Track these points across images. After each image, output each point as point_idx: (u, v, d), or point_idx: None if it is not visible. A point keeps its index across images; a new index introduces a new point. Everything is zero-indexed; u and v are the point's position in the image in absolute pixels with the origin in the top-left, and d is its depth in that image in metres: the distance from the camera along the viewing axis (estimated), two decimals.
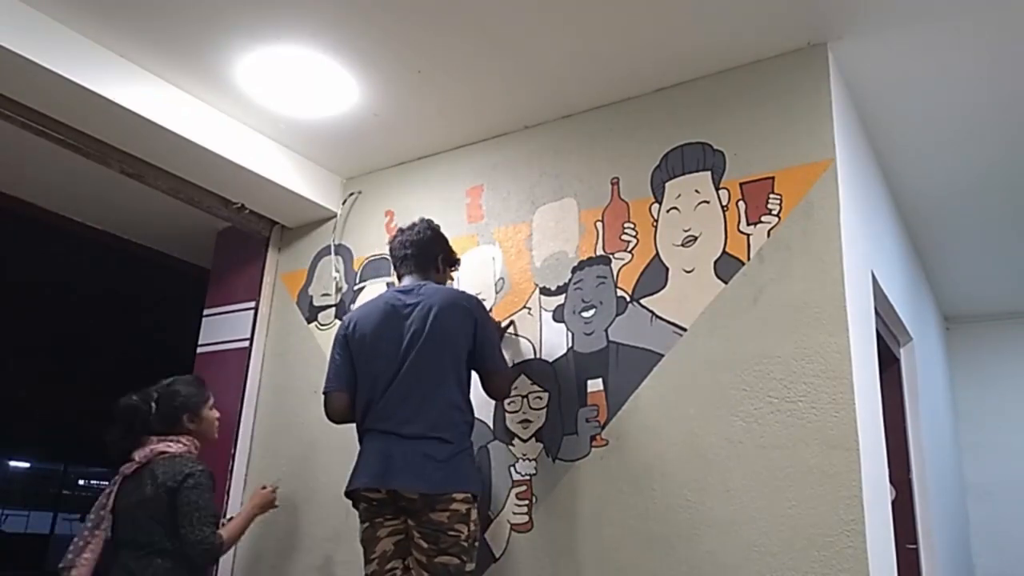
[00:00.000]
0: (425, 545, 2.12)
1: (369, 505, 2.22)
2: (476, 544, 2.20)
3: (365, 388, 2.30)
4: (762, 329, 2.23)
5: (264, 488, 2.71)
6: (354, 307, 3.12)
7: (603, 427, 2.43)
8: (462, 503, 2.15)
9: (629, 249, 2.54)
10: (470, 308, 2.36)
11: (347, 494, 2.28)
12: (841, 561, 1.96)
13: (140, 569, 2.29)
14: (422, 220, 2.55)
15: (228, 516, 2.67)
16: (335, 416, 2.39)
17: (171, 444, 2.43)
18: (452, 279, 2.65)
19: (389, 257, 2.57)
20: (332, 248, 3.29)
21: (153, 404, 2.46)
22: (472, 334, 2.32)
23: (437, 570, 2.10)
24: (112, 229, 3.90)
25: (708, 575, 2.14)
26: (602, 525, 2.34)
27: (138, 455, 2.42)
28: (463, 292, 2.49)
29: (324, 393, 2.40)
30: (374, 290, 3.09)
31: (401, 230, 2.53)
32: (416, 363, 2.25)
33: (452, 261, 2.58)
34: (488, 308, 2.75)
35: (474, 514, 2.19)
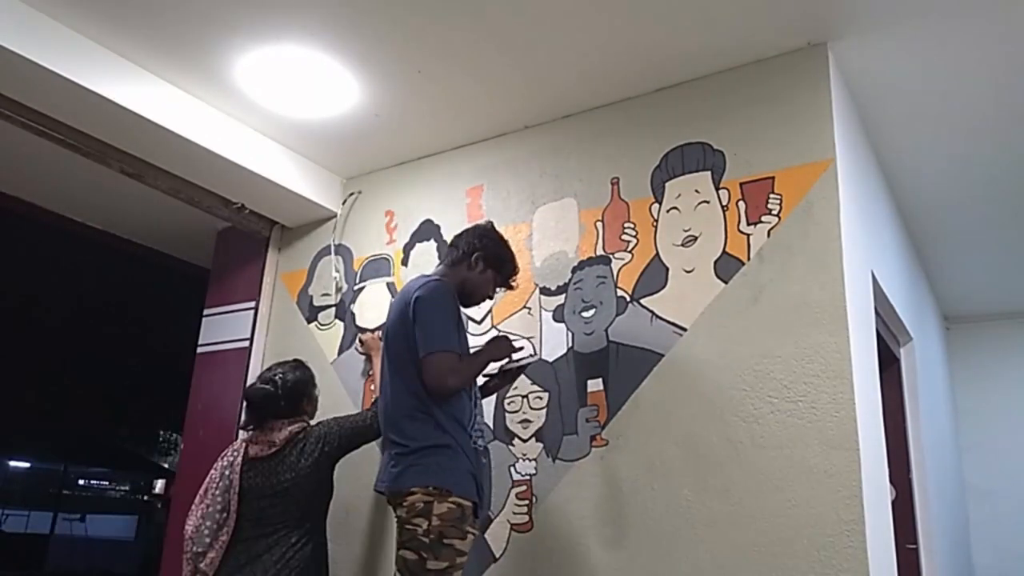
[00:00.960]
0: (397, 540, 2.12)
1: None
2: (444, 541, 2.01)
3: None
4: (762, 329, 2.23)
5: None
6: (354, 307, 3.14)
7: (603, 427, 2.43)
8: (422, 496, 2.03)
9: (629, 249, 2.54)
10: (410, 298, 2.18)
11: None
12: (841, 561, 1.96)
13: (278, 546, 2.41)
14: (488, 221, 2.50)
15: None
16: None
17: (297, 423, 2.55)
18: (494, 290, 2.39)
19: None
20: (332, 248, 3.29)
21: (279, 391, 2.55)
22: (411, 323, 2.14)
23: (399, 564, 2.07)
24: (112, 229, 3.90)
25: (708, 575, 2.14)
26: (602, 525, 2.34)
27: (275, 437, 2.49)
28: (421, 279, 2.26)
29: None
30: (374, 290, 3.10)
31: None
32: (385, 363, 2.24)
33: (495, 267, 2.33)
34: (487, 308, 2.75)
35: (438, 508, 2.03)
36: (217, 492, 2.49)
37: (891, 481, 2.55)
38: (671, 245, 2.47)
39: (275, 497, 2.45)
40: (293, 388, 2.58)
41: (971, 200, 3.46)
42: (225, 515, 2.47)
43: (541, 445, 2.54)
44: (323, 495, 2.56)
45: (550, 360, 2.60)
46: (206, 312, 3.64)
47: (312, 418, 2.67)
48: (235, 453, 2.54)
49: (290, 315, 3.35)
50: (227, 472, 2.51)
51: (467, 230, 2.40)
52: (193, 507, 2.51)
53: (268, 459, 2.48)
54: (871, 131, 2.86)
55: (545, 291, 2.68)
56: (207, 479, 2.54)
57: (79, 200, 3.56)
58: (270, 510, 2.45)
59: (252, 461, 2.50)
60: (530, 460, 2.54)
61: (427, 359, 2.09)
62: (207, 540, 2.45)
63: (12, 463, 15.51)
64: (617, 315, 2.50)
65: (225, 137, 2.89)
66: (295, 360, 2.71)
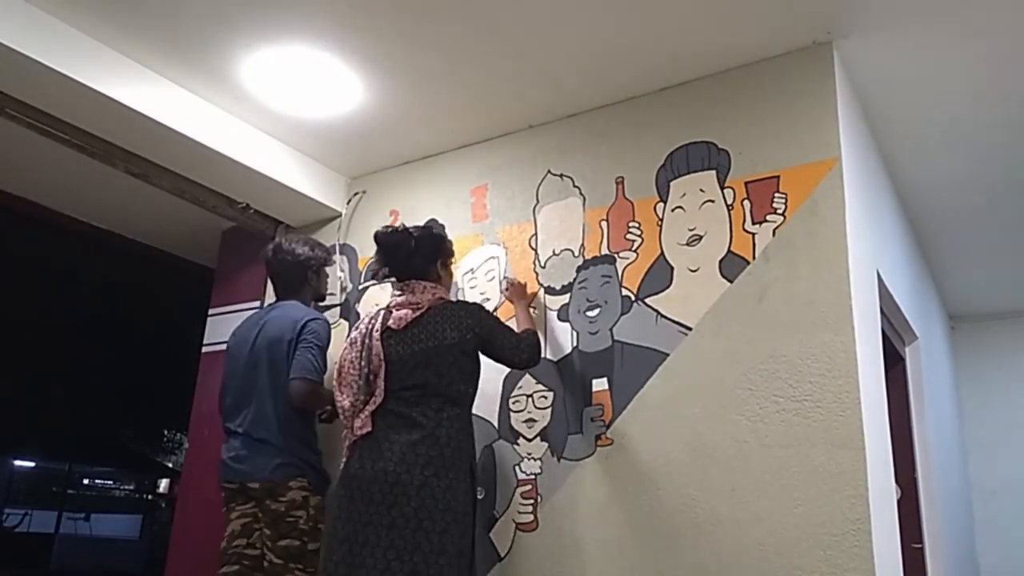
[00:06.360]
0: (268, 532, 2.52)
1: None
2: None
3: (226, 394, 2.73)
4: (767, 328, 2.23)
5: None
6: (358, 307, 3.14)
7: (608, 426, 2.43)
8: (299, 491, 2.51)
9: (634, 248, 2.54)
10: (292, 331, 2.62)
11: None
12: (847, 560, 1.96)
13: (429, 417, 2.20)
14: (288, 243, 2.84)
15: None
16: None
17: (440, 291, 2.37)
18: (326, 283, 2.97)
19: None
20: (337, 248, 3.29)
21: (413, 242, 2.34)
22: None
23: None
24: (117, 229, 3.91)
25: (713, 574, 2.14)
26: (607, 524, 2.35)
27: (420, 299, 2.31)
28: (300, 316, 2.66)
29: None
30: (378, 290, 3.10)
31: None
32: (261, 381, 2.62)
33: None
34: (493, 309, 2.74)
35: (313, 501, 2.54)
36: (359, 361, 2.30)
37: (896, 480, 2.54)
38: (676, 244, 2.47)
39: (429, 365, 2.24)
40: (428, 240, 2.37)
41: (976, 199, 3.45)
42: (376, 382, 2.29)
43: (546, 444, 2.54)
44: (469, 374, 2.32)
45: (555, 359, 2.60)
46: (211, 312, 3.64)
47: (447, 294, 2.46)
48: (372, 320, 2.35)
49: None
50: (362, 340, 2.32)
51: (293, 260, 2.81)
52: (337, 387, 2.34)
53: (410, 326, 2.28)
54: (876, 130, 2.86)
55: (550, 290, 2.68)
56: (340, 358, 2.37)
57: (84, 200, 3.57)
58: (409, 379, 2.25)
59: (391, 331, 2.30)
60: (535, 459, 2.54)
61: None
62: (347, 407, 2.28)
63: (17, 462, 15.56)
64: (622, 314, 2.50)
65: (230, 137, 2.90)
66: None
